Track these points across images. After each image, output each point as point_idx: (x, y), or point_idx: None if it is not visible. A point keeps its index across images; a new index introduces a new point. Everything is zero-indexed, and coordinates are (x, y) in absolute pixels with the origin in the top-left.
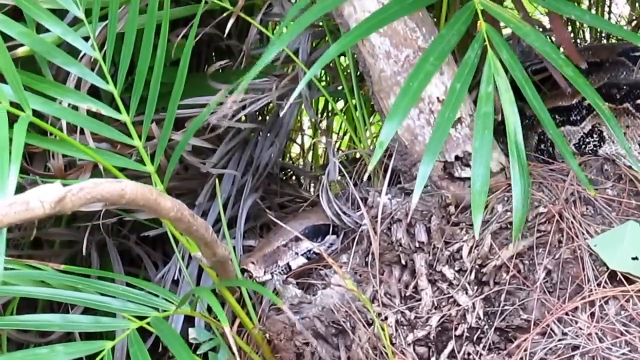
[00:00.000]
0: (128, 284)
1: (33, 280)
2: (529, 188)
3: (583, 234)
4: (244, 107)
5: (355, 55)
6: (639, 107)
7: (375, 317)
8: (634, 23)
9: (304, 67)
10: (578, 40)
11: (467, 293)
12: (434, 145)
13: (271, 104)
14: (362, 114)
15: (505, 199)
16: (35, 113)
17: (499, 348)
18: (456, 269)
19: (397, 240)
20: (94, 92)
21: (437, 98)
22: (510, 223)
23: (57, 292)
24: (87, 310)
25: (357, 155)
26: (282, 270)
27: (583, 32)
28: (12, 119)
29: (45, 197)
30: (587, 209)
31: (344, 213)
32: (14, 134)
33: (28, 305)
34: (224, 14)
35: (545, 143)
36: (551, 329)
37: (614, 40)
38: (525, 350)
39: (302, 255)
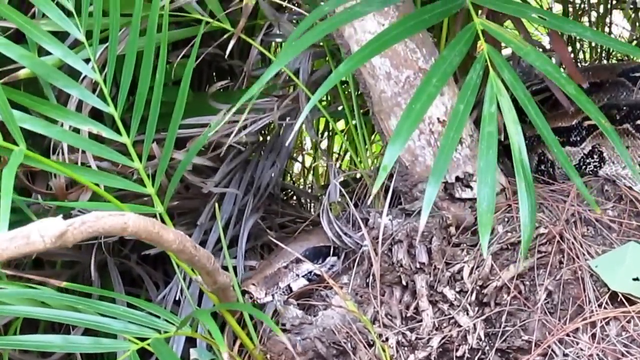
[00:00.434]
0: (129, 305)
1: (34, 300)
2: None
3: (584, 254)
4: (245, 127)
5: (356, 76)
6: (639, 128)
7: (376, 338)
8: (634, 43)
9: (304, 87)
10: (578, 61)
11: (468, 314)
12: (440, 167)
13: (272, 124)
14: (362, 135)
15: (506, 219)
16: (37, 135)
17: None
18: (457, 289)
19: (398, 261)
20: (96, 112)
21: (438, 119)
22: (512, 244)
23: (58, 313)
24: (88, 331)
25: (358, 175)
26: (283, 292)
27: (584, 52)
28: None
29: (46, 232)
30: (587, 229)
31: (345, 234)
32: (6, 169)
33: (29, 325)
34: (225, 35)
35: (546, 164)
36: (552, 350)
37: (614, 61)
38: None
39: (303, 276)
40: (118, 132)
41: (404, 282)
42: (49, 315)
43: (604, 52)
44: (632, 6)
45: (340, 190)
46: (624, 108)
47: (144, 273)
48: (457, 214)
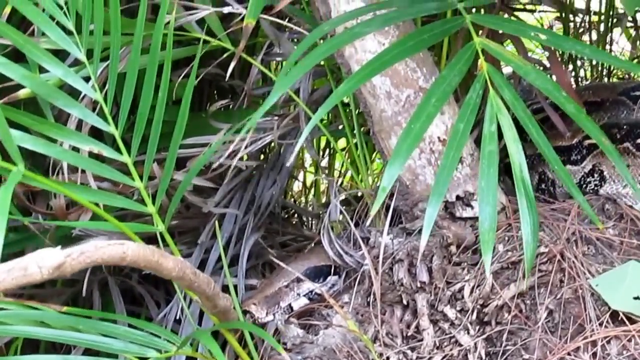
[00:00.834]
0: (130, 325)
1: (35, 320)
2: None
3: (584, 273)
4: (245, 147)
5: (356, 95)
6: (639, 147)
7: (377, 358)
8: (635, 61)
9: (305, 106)
10: (579, 79)
11: (469, 333)
12: (440, 186)
13: (273, 143)
14: (363, 153)
15: (506, 238)
16: (38, 155)
17: None
18: (458, 308)
19: (399, 280)
20: (96, 130)
21: (438, 138)
22: (512, 263)
23: (59, 333)
24: (88, 351)
25: (359, 194)
26: (284, 311)
27: (584, 70)
28: None
29: (44, 263)
30: (588, 248)
31: (346, 253)
32: (2, 188)
33: (30, 344)
34: (226, 54)
35: (546, 182)
36: None
37: (614, 80)
38: None
39: (303, 296)
40: (119, 151)
41: (404, 301)
42: (50, 335)
43: (604, 70)
44: (631, 24)
45: (341, 210)
46: (625, 127)
47: (145, 292)
48: (458, 233)
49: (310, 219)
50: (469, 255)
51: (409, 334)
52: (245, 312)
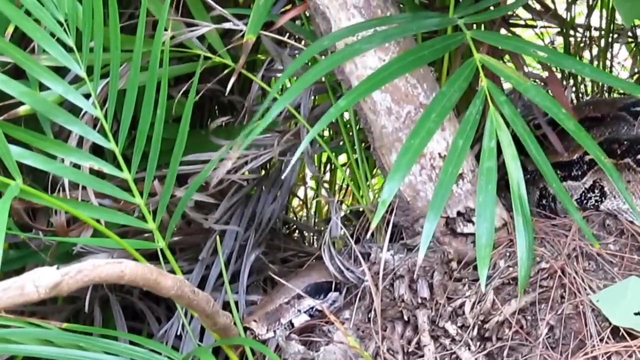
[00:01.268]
0: (131, 342)
1: (37, 338)
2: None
3: (585, 289)
4: (246, 163)
5: (357, 111)
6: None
7: None
8: (636, 77)
9: (305, 123)
10: (579, 94)
11: (469, 349)
12: (438, 201)
13: (273, 160)
14: (363, 169)
15: (508, 254)
16: (38, 171)
17: None
18: (459, 324)
19: (400, 296)
20: (97, 147)
21: (439, 154)
22: (513, 278)
23: (60, 351)
24: None
25: (360, 209)
26: (285, 328)
27: (585, 86)
28: None
29: (41, 282)
30: (589, 264)
31: (347, 269)
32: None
33: None
34: (226, 71)
35: (547, 198)
36: None
37: (615, 95)
38: None
39: (304, 312)
40: (119, 168)
41: (405, 317)
42: (52, 353)
43: (605, 85)
44: (632, 39)
45: (342, 226)
46: (625, 142)
47: (146, 308)
48: (459, 249)
49: (311, 234)
50: (470, 271)
51: (410, 350)
52: (246, 329)
